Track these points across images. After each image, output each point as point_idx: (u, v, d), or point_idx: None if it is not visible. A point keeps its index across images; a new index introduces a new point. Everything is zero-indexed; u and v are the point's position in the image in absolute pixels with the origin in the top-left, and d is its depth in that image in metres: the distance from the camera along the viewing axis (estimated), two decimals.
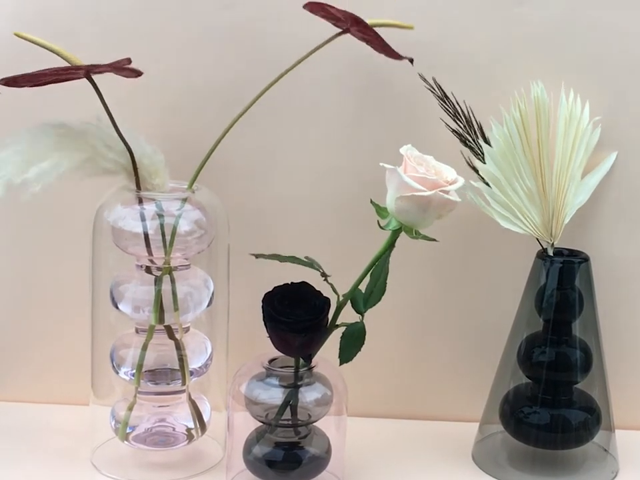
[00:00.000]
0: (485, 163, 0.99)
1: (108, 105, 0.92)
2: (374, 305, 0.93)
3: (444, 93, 1.01)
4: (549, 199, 1.00)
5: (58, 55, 0.91)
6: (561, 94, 1.01)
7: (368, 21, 0.92)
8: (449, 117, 1.02)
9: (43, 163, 0.90)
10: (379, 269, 0.92)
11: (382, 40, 0.93)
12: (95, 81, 0.91)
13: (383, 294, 0.93)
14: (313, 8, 0.93)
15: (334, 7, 0.92)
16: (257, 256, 0.93)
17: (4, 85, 0.88)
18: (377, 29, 0.93)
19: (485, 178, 1.00)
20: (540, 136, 1.00)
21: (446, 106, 1.01)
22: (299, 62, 0.95)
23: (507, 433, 1.02)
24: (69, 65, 0.91)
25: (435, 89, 1.00)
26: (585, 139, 1.01)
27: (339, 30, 0.95)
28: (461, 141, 1.01)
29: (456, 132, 1.01)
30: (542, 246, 1.01)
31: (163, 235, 0.95)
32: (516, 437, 1.01)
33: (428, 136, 1.04)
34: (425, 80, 1.00)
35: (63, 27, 1.03)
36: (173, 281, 0.97)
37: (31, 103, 1.02)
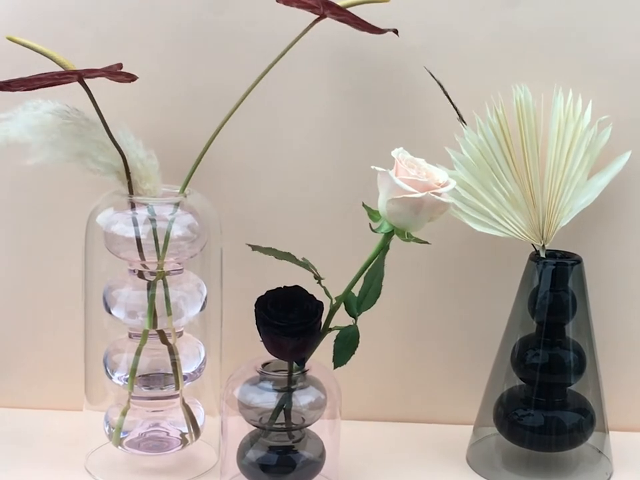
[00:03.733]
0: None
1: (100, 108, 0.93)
2: (368, 308, 0.93)
3: (446, 92, 1.01)
4: (537, 201, 1.00)
5: (51, 59, 0.91)
6: (555, 95, 1.01)
7: (340, 2, 0.93)
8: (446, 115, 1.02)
9: (43, 138, 0.91)
10: (372, 273, 0.92)
11: (359, 19, 0.94)
12: (87, 84, 0.92)
13: (377, 297, 0.93)
14: (285, 1, 0.94)
15: None
16: (254, 248, 0.92)
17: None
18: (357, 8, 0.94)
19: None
20: (524, 139, 1.00)
21: (452, 103, 1.01)
22: (281, 55, 0.95)
23: (501, 436, 1.02)
24: (63, 70, 0.91)
25: (440, 85, 1.00)
26: (585, 140, 1.00)
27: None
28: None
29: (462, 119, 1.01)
30: (535, 248, 1.02)
31: (156, 239, 0.95)
32: (510, 439, 1.01)
33: (421, 137, 1.05)
34: (432, 75, 1.00)
35: (54, 30, 1.03)
36: (166, 285, 0.97)
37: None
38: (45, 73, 0.89)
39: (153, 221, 0.95)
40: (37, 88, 0.90)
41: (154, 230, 0.95)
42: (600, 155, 1.01)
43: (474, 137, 1.00)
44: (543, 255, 1.01)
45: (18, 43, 0.91)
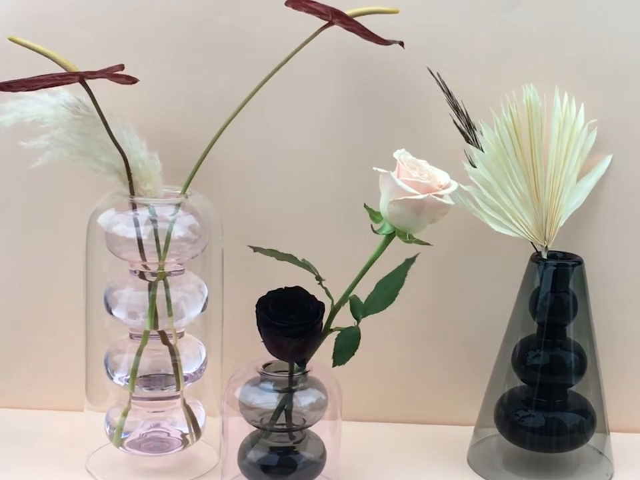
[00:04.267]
0: (474, 166, 1.00)
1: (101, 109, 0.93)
2: (375, 313, 0.93)
3: (449, 90, 1.01)
4: (542, 202, 1.00)
5: (52, 59, 0.91)
6: (555, 97, 1.01)
7: (349, 12, 0.94)
8: (447, 117, 1.02)
9: (52, 130, 0.92)
10: (388, 280, 0.92)
11: (367, 29, 0.94)
12: (88, 84, 0.92)
13: (388, 304, 0.92)
14: (294, 5, 0.94)
15: (313, 2, 0.93)
16: (255, 249, 0.92)
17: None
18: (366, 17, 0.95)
19: (476, 181, 1.00)
20: (532, 139, 1.00)
21: (453, 102, 1.00)
22: (288, 59, 0.95)
23: (502, 437, 1.02)
24: (64, 71, 0.91)
25: (442, 85, 1.00)
26: (579, 142, 1.01)
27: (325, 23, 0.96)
28: (466, 139, 1.01)
29: (461, 129, 1.01)
30: (536, 249, 1.02)
31: (157, 240, 0.95)
32: (511, 440, 1.01)
33: (423, 138, 1.04)
34: (432, 74, 1.00)
35: (55, 31, 1.03)
36: (167, 286, 0.97)
37: None
38: (46, 75, 0.89)
39: (154, 221, 0.95)
40: (38, 89, 0.90)
41: (155, 231, 0.95)
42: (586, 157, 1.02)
43: (491, 134, 1.00)
44: (545, 255, 1.00)
45: (19, 44, 0.91)
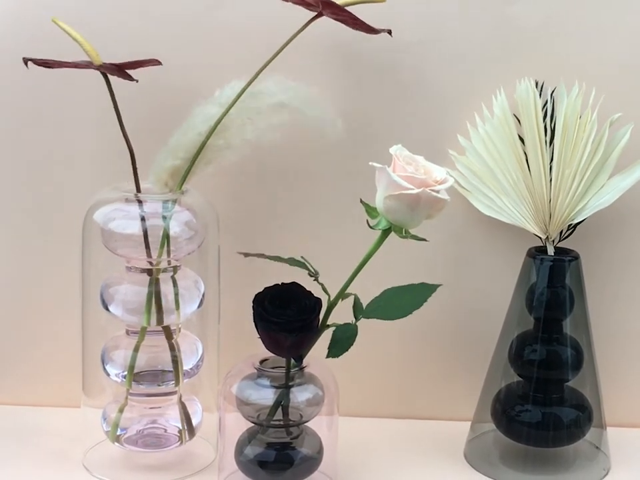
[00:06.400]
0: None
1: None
2: (380, 319, 0.92)
3: None
4: (543, 195, 0.99)
5: (82, 47, 0.92)
6: (562, 92, 1.00)
7: (339, 1, 0.93)
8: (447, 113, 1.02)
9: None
10: (399, 294, 0.93)
11: (358, 19, 0.94)
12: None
13: (397, 317, 0.93)
14: None
15: None
16: (245, 255, 0.93)
17: (37, 65, 0.91)
18: (352, 7, 0.95)
19: (462, 169, 1.02)
20: (526, 132, 1.00)
21: None
22: (279, 51, 0.95)
23: (499, 432, 1.02)
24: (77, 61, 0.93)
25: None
26: (592, 136, 0.98)
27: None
28: None
29: None
30: (545, 243, 1.01)
31: (163, 235, 0.95)
32: (508, 435, 1.01)
33: (420, 135, 1.04)
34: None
35: (52, 27, 1.03)
36: (175, 283, 0.97)
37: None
38: (83, 61, 0.92)
39: (150, 217, 0.95)
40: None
41: (151, 227, 0.95)
42: (621, 155, 1.00)
43: (481, 126, 1.01)
44: (551, 251, 1.00)
45: (60, 27, 0.93)
